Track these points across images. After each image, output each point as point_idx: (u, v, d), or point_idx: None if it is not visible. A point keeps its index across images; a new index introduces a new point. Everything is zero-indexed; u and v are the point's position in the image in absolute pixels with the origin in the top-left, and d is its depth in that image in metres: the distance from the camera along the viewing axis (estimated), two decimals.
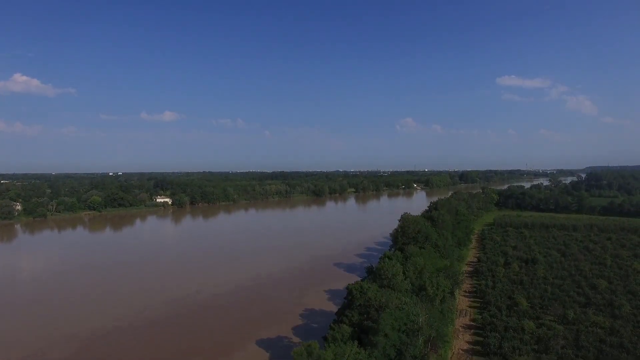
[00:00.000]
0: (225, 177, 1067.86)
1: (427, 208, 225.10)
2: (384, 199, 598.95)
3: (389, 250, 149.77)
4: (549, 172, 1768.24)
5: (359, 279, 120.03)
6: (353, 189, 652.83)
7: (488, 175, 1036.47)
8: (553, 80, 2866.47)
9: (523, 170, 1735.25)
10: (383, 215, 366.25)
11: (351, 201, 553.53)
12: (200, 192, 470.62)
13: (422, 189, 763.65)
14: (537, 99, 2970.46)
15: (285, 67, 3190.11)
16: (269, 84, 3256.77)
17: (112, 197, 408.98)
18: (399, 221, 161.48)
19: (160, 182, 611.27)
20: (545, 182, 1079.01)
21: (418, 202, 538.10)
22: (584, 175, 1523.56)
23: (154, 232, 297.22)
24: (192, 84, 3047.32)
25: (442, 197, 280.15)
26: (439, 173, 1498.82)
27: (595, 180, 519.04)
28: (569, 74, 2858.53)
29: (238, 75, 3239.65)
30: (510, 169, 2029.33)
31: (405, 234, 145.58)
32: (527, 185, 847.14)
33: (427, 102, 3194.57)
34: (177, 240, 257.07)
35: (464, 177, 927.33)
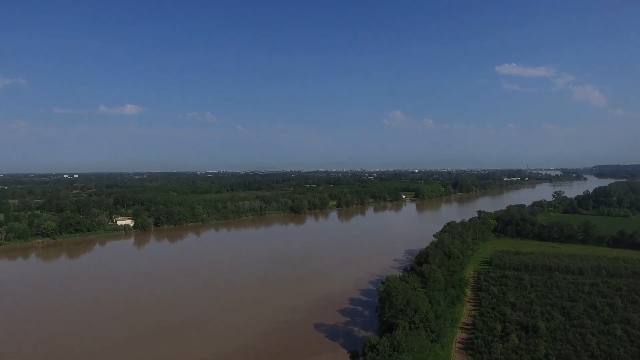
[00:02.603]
0: (193, 183, 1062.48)
1: (417, 257, 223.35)
2: (370, 213, 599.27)
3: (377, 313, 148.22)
4: (552, 173, 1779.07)
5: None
6: (335, 203, 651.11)
7: (485, 183, 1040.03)
8: (558, 68, 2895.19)
9: (524, 171, 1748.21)
10: (368, 238, 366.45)
11: (333, 218, 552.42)
12: (165, 212, 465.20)
13: (411, 200, 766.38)
14: (541, 89, 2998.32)
15: (261, 57, 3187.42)
16: (242, 75, 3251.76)
17: (68, 222, 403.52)
18: (384, 283, 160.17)
19: (121, 199, 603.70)
20: (548, 186, 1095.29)
21: (408, 218, 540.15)
22: (590, 177, 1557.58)
23: (106, 267, 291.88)
24: (157, 74, 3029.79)
25: (433, 240, 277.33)
26: (430, 175, 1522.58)
27: (604, 195, 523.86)
28: (576, 62, 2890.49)
29: (208, 66, 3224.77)
30: (509, 168, 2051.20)
31: (393, 306, 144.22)
32: (527, 192, 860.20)
33: (418, 93, 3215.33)
34: (128, 281, 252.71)
35: (458, 184, 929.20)
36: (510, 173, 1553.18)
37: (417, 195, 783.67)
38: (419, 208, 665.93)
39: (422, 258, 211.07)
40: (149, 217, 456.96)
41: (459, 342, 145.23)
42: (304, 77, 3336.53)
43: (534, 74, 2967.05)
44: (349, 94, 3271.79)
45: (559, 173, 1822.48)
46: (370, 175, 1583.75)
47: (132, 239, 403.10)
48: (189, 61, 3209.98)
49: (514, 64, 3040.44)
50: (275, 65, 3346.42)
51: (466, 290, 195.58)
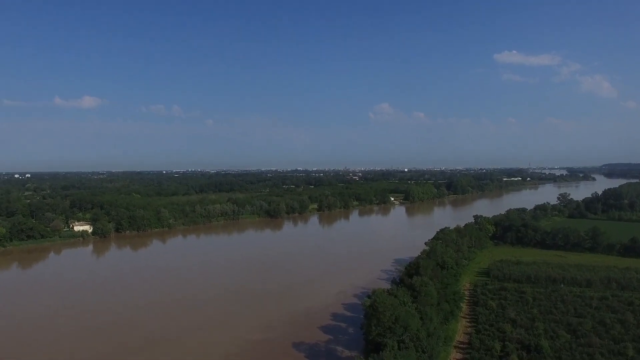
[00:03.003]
0: (158, 184, 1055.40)
1: (407, 267, 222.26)
2: (355, 218, 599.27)
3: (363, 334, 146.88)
4: (557, 173, 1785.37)
5: None
6: (316, 206, 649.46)
7: (482, 184, 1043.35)
8: (563, 56, 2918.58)
9: (525, 171, 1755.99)
10: (353, 246, 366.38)
11: (314, 223, 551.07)
12: (127, 217, 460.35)
13: (401, 202, 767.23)
14: (544, 79, 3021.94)
15: (234, 45, 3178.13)
16: (213, 64, 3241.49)
17: (19, 228, 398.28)
18: (370, 297, 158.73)
19: (79, 201, 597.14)
20: (552, 187, 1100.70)
21: (396, 223, 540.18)
22: (598, 177, 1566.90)
23: (61, 278, 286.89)
24: (118, 62, 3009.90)
25: (425, 248, 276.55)
26: (422, 175, 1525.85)
27: (614, 198, 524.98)
28: (583, 49, 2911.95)
29: (175, 54, 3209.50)
30: (509, 167, 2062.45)
31: (380, 323, 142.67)
32: (529, 194, 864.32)
33: (408, 84, 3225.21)
34: (86, 294, 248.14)
35: (452, 185, 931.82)
36: (510, 173, 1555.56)
37: (407, 198, 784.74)
38: (409, 212, 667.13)
39: (412, 269, 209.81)
40: (110, 222, 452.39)
41: None
42: (281, 67, 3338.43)
43: (537, 63, 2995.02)
44: (331, 84, 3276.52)
45: (564, 173, 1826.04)
46: (355, 175, 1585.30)
47: (91, 247, 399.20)
48: (153, 48, 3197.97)
49: (514, 52, 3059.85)
50: (248, 53, 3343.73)
51: (461, 304, 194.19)
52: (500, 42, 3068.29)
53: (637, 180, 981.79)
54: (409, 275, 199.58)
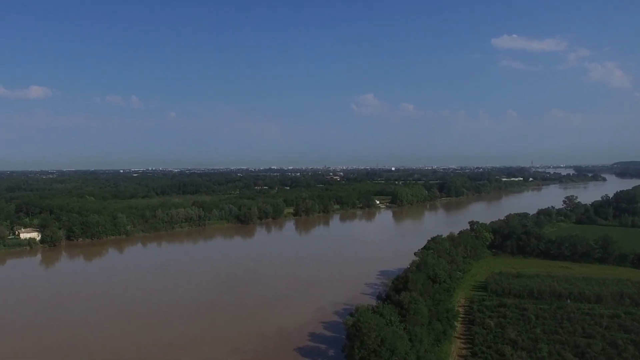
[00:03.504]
0: (115, 185, 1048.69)
1: (395, 281, 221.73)
2: (335, 224, 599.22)
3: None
4: (563, 172, 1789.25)
5: None
6: (292, 210, 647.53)
7: (479, 185, 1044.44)
8: (570, 41, 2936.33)
9: (527, 170, 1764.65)
10: (333, 256, 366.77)
11: (289, 229, 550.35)
12: (80, 223, 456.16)
13: (387, 206, 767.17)
14: (548, 67, 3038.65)
15: (198, 28, 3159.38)
16: (175, 49, 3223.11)
17: None
18: (353, 315, 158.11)
19: (25, 205, 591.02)
20: (557, 188, 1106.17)
21: (382, 230, 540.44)
22: (609, 176, 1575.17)
23: (4, 292, 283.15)
24: (69, 48, 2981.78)
25: (415, 258, 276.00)
26: (411, 175, 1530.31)
27: (627, 201, 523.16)
28: (593, 32, 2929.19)
29: (132, 38, 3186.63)
30: (509, 166, 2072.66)
31: (364, 345, 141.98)
32: (531, 197, 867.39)
33: (395, 72, 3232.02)
34: (31, 311, 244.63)
35: (445, 187, 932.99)
36: (511, 172, 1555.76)
37: (394, 201, 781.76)
38: (397, 217, 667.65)
39: (400, 283, 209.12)
40: (60, 228, 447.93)
41: None
42: (252, 52, 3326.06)
43: (540, 48, 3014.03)
44: (308, 72, 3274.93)
45: (571, 172, 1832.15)
46: (336, 175, 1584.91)
47: (39, 256, 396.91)
48: (108, 31, 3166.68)
49: (515, 36, 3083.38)
50: (215, 36, 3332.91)
51: (455, 323, 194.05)
52: (498, 24, 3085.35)
53: None
54: (397, 291, 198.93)
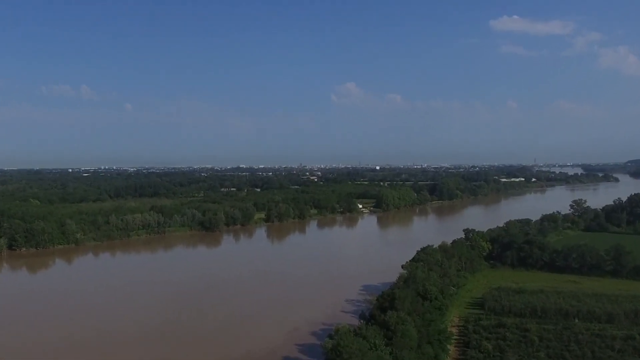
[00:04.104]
0: (63, 186, 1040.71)
1: (379, 299, 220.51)
2: (313, 231, 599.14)
3: None
4: (570, 172, 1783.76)
5: None
6: (263, 216, 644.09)
7: (475, 186, 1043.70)
8: (578, 23, 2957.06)
9: (529, 169, 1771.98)
10: (310, 269, 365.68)
11: (260, 238, 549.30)
12: (23, 230, 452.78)
13: (371, 211, 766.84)
14: (553, 52, 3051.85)
15: (157, 6, 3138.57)
16: (131, 33, 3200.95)
17: None
18: (332, 338, 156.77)
19: None
20: (563, 190, 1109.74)
21: (366, 239, 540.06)
22: (622, 176, 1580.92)
23: None
24: (10, 31, 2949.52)
25: (402, 272, 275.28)
26: (398, 174, 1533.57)
27: None
28: (604, 13, 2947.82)
29: (82, 20, 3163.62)
30: (510, 164, 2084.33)
31: None
32: (535, 200, 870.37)
33: (381, 58, 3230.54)
34: None
35: (436, 188, 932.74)
36: (511, 172, 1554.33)
37: (379, 205, 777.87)
38: (382, 223, 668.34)
39: (385, 301, 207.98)
40: (1, 237, 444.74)
41: None
42: (218, 35, 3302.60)
43: (544, 31, 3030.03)
44: (282, 58, 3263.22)
45: (579, 171, 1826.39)
46: (313, 175, 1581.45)
47: None
48: (53, 11, 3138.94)
49: (515, 17, 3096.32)
50: (175, 17, 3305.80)
51: (448, 347, 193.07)
52: (497, 4, 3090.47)
53: None
54: (382, 309, 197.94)
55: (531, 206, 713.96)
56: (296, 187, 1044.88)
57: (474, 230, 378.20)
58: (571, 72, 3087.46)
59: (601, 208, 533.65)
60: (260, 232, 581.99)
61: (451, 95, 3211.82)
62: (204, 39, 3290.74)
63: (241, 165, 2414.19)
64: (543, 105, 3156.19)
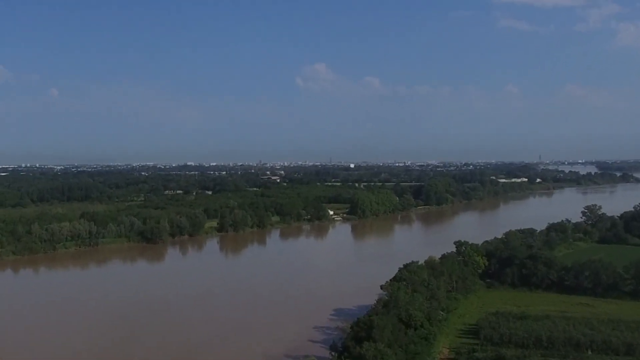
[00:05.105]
0: None
1: (354, 326, 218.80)
2: (275, 243, 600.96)
3: None
4: (581, 171, 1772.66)
5: None
6: (216, 224, 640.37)
7: (468, 188, 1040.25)
8: None
9: (533, 167, 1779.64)
10: (271, 289, 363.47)
11: (212, 251, 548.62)
12: None
13: (345, 218, 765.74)
14: (563, 28, 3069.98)
15: None
16: (59, 7, 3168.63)
17: None
18: None
19: None
20: (574, 193, 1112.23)
21: (338, 253, 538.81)
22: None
23: None
24: None
25: (382, 294, 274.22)
26: (376, 174, 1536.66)
27: None
28: None
29: None
30: (510, 161, 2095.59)
31: None
32: (539, 205, 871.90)
33: (357, 35, 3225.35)
34: None
35: (422, 191, 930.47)
36: (511, 170, 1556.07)
37: (354, 211, 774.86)
38: (358, 234, 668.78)
39: (361, 330, 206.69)
40: None
41: None
42: (163, 7, 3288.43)
43: (552, 3, 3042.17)
44: (238, 36, 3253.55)
45: (593, 170, 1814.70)
46: (275, 175, 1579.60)
47: None
48: None
49: None
50: None
51: None
52: None
53: None
54: (357, 340, 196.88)
55: (535, 213, 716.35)
56: (255, 189, 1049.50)
57: (467, 242, 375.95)
58: (583, 51, 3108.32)
59: (619, 215, 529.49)
60: (212, 244, 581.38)
61: (440, 78, 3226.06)
62: (146, 11, 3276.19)
63: (189, 163, 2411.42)
64: (550, 91, 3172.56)
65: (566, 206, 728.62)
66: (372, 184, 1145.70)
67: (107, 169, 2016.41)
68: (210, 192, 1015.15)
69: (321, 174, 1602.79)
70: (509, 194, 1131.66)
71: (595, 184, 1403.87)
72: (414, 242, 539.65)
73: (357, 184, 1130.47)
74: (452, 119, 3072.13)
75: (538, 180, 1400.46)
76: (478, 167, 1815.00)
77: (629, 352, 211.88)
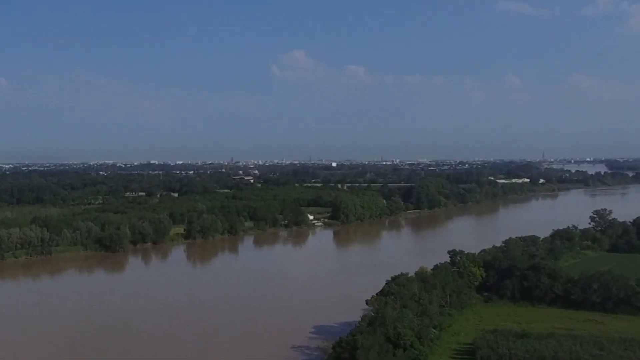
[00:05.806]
0: None
1: (337, 347, 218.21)
2: (248, 251, 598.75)
3: None
4: (589, 170, 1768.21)
5: None
6: (182, 230, 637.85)
7: (464, 190, 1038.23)
8: None
9: (536, 167, 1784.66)
10: (243, 303, 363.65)
11: (177, 260, 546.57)
12: None
13: (326, 224, 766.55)
14: (569, 11, 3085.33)
15: None
16: None
17: None
18: None
19: None
20: (581, 195, 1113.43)
21: (318, 263, 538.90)
22: None
23: None
24: None
25: (367, 309, 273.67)
26: (361, 174, 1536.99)
27: None
28: None
29: None
30: (510, 159, 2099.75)
31: None
32: (542, 208, 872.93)
33: (339, 19, 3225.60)
34: None
35: (413, 193, 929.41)
36: (511, 170, 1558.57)
37: (336, 215, 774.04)
38: (340, 241, 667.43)
39: (344, 350, 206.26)
40: None
41: None
42: None
43: None
44: (206, 20, 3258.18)
45: (603, 169, 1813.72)
46: (248, 175, 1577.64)
47: None
48: None
49: None
50: None
51: None
52: None
53: None
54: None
55: (538, 217, 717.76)
56: (226, 191, 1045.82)
57: (462, 251, 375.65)
58: (591, 37, 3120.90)
59: (632, 221, 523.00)
60: (178, 253, 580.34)
61: (432, 68, 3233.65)
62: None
63: (153, 162, 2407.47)
64: (555, 82, 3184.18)
65: (573, 210, 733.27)
66: (357, 185, 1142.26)
67: (62, 168, 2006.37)
68: (176, 195, 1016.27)
69: (299, 174, 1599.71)
70: (508, 197, 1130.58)
71: (605, 185, 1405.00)
72: (403, 251, 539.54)
73: (339, 185, 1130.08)
74: (445, 113, 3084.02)
75: (541, 180, 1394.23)
76: (474, 167, 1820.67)
77: None
